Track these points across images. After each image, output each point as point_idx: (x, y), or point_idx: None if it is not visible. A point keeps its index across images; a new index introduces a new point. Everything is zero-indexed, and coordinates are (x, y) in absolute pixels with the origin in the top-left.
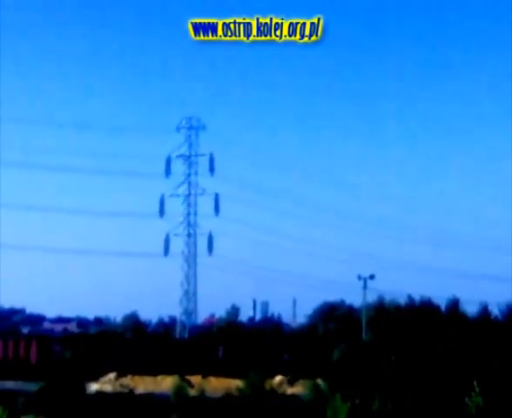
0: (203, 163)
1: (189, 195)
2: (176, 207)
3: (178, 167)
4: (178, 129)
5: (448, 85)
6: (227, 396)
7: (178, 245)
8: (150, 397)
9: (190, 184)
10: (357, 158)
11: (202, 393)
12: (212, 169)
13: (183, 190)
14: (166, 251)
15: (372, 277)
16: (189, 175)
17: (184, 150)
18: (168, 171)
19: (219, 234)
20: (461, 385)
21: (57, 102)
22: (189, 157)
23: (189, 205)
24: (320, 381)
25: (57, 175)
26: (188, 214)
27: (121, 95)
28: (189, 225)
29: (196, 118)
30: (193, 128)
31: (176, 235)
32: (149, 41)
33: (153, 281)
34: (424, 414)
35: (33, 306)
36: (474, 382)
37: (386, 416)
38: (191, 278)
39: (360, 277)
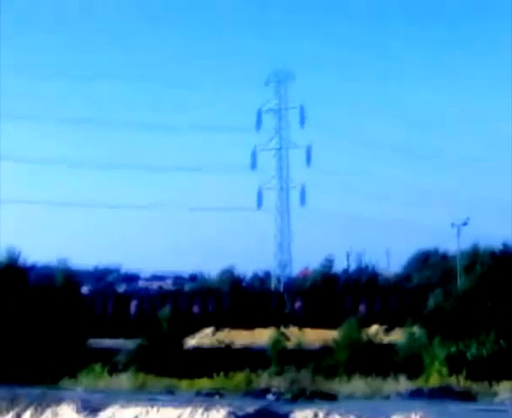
0: (293, 115)
1: (280, 148)
2: (268, 161)
3: (269, 121)
4: (267, 82)
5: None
6: (324, 347)
7: (271, 198)
8: (247, 350)
9: (281, 137)
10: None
11: (299, 345)
12: (302, 121)
13: (274, 143)
14: (259, 204)
15: (466, 223)
16: (280, 128)
17: (274, 103)
18: (259, 125)
19: (312, 186)
20: None
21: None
22: (279, 110)
23: (280, 158)
24: (416, 329)
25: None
26: (280, 167)
27: (212, 49)
28: (281, 178)
29: (285, 70)
30: (282, 80)
31: (268, 189)
32: None
33: (247, 235)
34: None
35: (128, 265)
36: None
37: (483, 362)
38: (284, 231)
39: (453, 224)
